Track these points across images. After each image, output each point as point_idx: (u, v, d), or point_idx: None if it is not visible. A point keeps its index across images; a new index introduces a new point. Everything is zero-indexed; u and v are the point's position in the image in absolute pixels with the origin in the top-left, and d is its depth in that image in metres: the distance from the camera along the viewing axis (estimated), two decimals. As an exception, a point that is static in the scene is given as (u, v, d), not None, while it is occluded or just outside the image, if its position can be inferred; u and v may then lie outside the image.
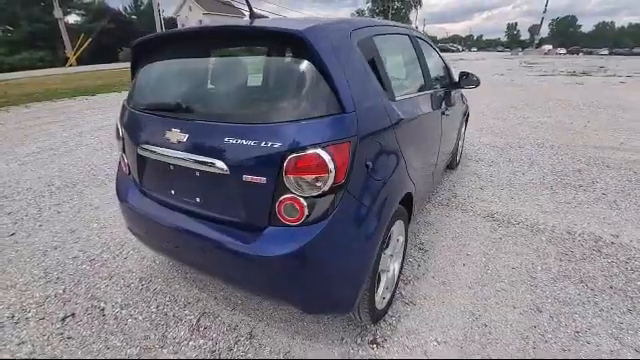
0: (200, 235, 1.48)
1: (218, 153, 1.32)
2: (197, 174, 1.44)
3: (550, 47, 52.82)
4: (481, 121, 6.30)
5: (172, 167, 1.52)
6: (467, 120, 4.11)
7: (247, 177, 1.28)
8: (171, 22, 43.13)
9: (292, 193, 1.25)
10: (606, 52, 51.57)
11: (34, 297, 1.98)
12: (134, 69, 1.80)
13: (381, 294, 1.69)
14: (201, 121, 1.39)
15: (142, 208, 1.71)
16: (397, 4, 74.07)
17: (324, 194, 1.24)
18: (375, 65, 1.56)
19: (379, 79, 1.56)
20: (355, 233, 1.34)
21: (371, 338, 1.68)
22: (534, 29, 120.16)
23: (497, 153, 4.57)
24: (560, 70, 17.61)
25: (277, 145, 1.21)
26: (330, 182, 1.22)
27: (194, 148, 1.38)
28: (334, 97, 1.24)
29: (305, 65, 1.24)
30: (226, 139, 1.30)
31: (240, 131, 1.28)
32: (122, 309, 1.89)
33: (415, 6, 75.25)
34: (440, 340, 1.67)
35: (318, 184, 1.22)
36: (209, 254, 1.50)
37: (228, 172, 1.31)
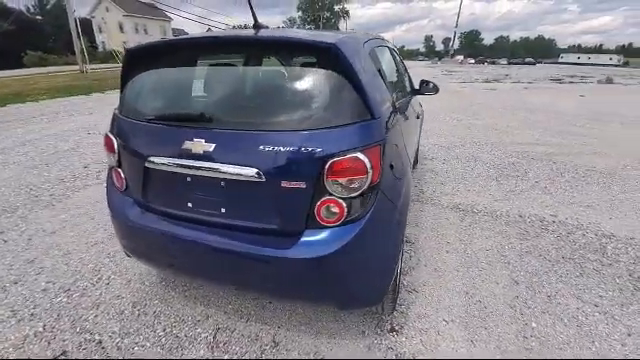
0: (227, 246, 1.45)
1: (253, 161, 1.32)
2: (222, 184, 1.42)
3: (462, 57, 59.77)
4: (424, 123, 6.94)
5: (190, 179, 1.47)
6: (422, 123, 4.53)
7: (286, 183, 1.31)
8: (86, 23, 38.81)
9: (332, 195, 1.31)
10: (505, 62, 60.07)
11: (9, 340, 1.70)
12: (127, 77, 1.67)
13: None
14: (230, 130, 1.37)
15: (146, 224, 1.60)
16: (327, 14, 76.91)
17: (362, 194, 1.33)
18: (380, 73, 1.71)
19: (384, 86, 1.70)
20: (387, 228, 1.45)
21: (389, 327, 1.80)
22: (447, 41, 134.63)
23: (445, 152, 5.10)
24: (475, 77, 20.10)
25: (318, 150, 1.27)
26: (367, 183, 1.31)
27: (224, 158, 1.36)
28: (363, 104, 1.34)
29: (337, 74, 1.32)
30: (262, 147, 1.31)
31: (277, 138, 1.30)
32: (123, 338, 1.73)
33: (343, 17, 78.96)
34: (447, 319, 1.86)
35: (357, 185, 1.30)
36: (238, 264, 1.47)
37: (264, 179, 1.32)
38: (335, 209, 1.33)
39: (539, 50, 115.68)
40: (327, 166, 1.27)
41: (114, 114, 1.72)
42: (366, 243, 1.37)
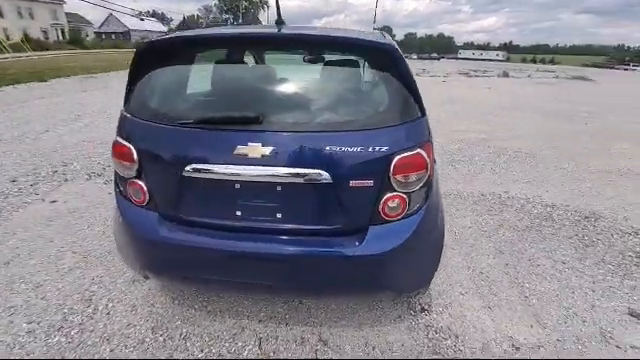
0: (287, 252, 1.41)
1: (320, 163, 1.31)
2: (279, 189, 1.37)
3: None
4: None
5: (239, 186, 1.38)
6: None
7: (354, 182, 1.33)
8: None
9: (396, 191, 1.38)
10: (415, 56, 65.93)
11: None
12: (142, 74, 1.46)
13: None
14: (290, 132, 1.32)
15: (181, 239, 1.45)
16: (245, 3, 74.34)
17: (421, 188, 1.42)
18: None
19: None
20: (438, 216, 1.57)
21: (419, 307, 1.95)
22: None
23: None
24: (397, 71, 21.68)
25: (385, 148, 1.32)
26: (426, 177, 1.41)
27: (285, 161, 1.31)
28: (415, 102, 1.42)
29: (394, 73, 1.36)
30: (328, 148, 1.30)
31: (345, 139, 1.31)
32: (156, 368, 1.55)
33: (263, 7, 77.21)
34: (463, 292, 2.09)
35: (419, 180, 1.39)
36: (299, 269, 1.44)
37: (331, 180, 1.32)
38: (399, 204, 1.40)
39: (441, 46, 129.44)
40: (393, 163, 1.33)
41: (125, 117, 1.49)
42: (424, 232, 1.47)
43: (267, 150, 1.30)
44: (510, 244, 2.63)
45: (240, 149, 1.31)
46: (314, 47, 1.44)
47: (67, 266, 2.22)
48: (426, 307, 1.96)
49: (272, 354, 1.64)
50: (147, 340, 1.70)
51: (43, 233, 2.59)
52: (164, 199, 1.47)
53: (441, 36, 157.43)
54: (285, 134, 1.32)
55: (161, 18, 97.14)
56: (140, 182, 1.47)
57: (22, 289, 2.00)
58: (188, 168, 1.35)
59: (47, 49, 30.37)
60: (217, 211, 1.45)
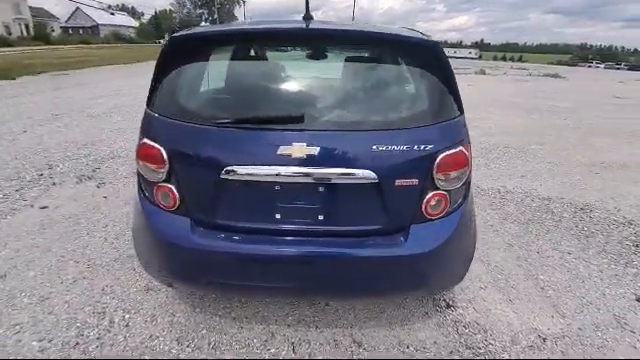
0: (330, 254, 1.37)
1: (366, 162, 1.28)
2: (321, 189, 1.33)
3: None
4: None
5: (279, 187, 1.33)
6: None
7: (399, 182, 1.31)
8: None
9: (438, 189, 1.37)
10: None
11: None
12: (170, 70, 1.37)
13: None
14: (335, 131, 1.28)
15: (217, 245, 1.39)
16: (220, -2, 72.75)
17: (461, 186, 1.42)
18: None
19: None
20: (472, 213, 1.57)
21: (444, 304, 1.96)
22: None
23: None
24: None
25: (430, 147, 1.30)
26: (467, 174, 1.41)
27: (331, 161, 1.27)
28: (454, 100, 1.41)
29: (437, 71, 1.35)
30: (374, 147, 1.27)
31: (390, 137, 1.28)
32: (190, 381, 1.48)
33: (239, 2, 75.78)
34: (482, 286, 2.13)
35: (460, 177, 1.39)
36: (341, 271, 1.41)
37: (377, 180, 1.29)
38: (441, 202, 1.39)
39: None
40: (437, 161, 1.32)
41: (152, 117, 1.40)
42: (462, 230, 1.48)
43: (312, 150, 1.25)
44: (517, 237, 2.70)
45: (284, 149, 1.26)
46: (356, 43, 1.40)
47: (71, 277, 2.08)
48: (451, 303, 1.97)
49: (309, 357, 1.60)
50: (174, 351, 1.61)
51: (38, 242, 2.41)
52: (197, 203, 1.39)
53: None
54: (330, 133, 1.28)
55: (131, 12, 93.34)
56: (170, 186, 1.38)
57: (25, 304, 1.85)
58: (226, 170, 1.28)
59: (10, 45, 28.51)
60: (255, 214, 1.39)
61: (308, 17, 1.60)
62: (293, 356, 1.61)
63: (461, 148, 1.36)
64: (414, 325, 1.82)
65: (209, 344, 1.66)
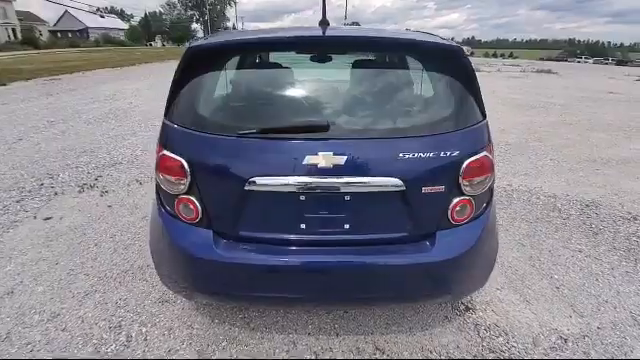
0: (356, 263, 1.35)
1: (393, 170, 1.26)
2: (347, 198, 1.31)
3: None
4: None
5: (304, 197, 1.30)
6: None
7: (427, 189, 1.30)
8: None
9: (464, 195, 1.36)
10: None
11: None
12: (188, 80, 1.34)
13: None
14: (360, 139, 1.26)
15: (240, 257, 1.36)
16: (211, -1, 72.29)
17: (485, 191, 1.41)
18: None
19: None
20: (495, 217, 1.56)
21: (463, 307, 1.96)
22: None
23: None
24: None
25: (456, 152, 1.29)
26: (491, 179, 1.40)
27: (358, 170, 1.25)
28: (477, 105, 1.40)
29: (462, 76, 1.34)
30: (401, 154, 1.26)
31: (416, 144, 1.27)
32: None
33: (230, 3, 75.37)
34: (499, 287, 2.12)
35: (484, 182, 1.38)
36: (368, 279, 1.39)
37: (404, 188, 1.27)
38: (466, 207, 1.38)
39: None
40: (463, 167, 1.31)
41: (171, 128, 1.36)
42: (487, 235, 1.47)
43: (339, 159, 1.23)
44: (528, 237, 2.71)
45: (310, 159, 1.23)
46: (382, 50, 1.38)
47: (82, 291, 2.03)
48: (470, 306, 1.97)
49: (332, 368, 1.58)
50: (196, 365, 1.58)
51: (44, 255, 2.35)
52: (220, 215, 1.36)
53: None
54: (356, 141, 1.26)
55: (120, 14, 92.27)
56: (191, 198, 1.35)
57: (36, 321, 1.81)
58: (251, 181, 1.26)
59: (-1, 50, 28.02)
60: (280, 225, 1.36)
61: (325, 22, 1.58)
62: (317, 366, 1.59)
63: (486, 153, 1.35)
64: (435, 330, 1.81)
65: (231, 356, 1.63)
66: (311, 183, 1.25)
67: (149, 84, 10.66)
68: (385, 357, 1.64)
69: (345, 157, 1.24)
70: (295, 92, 1.45)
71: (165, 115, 1.43)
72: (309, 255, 1.36)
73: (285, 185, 1.26)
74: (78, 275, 2.16)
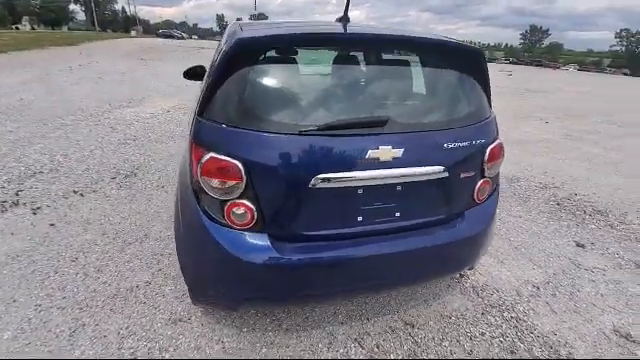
0: (407, 247, 1.47)
1: (439, 159, 1.40)
2: (399, 188, 1.41)
3: None
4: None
5: (362, 191, 1.36)
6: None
7: (464, 174, 1.48)
8: None
9: (485, 177, 1.58)
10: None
11: None
12: (233, 76, 1.24)
13: None
14: (413, 132, 1.36)
15: (300, 257, 1.34)
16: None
17: (497, 172, 1.66)
18: None
19: None
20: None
21: (458, 274, 2.25)
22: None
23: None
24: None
25: (483, 141, 1.50)
26: (502, 161, 1.65)
27: (412, 161, 1.35)
28: (488, 99, 1.63)
29: (481, 74, 1.53)
30: (446, 144, 1.40)
31: (456, 135, 1.43)
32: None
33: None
34: (501, 263, 2.48)
35: (498, 164, 1.62)
36: (416, 261, 1.52)
37: (447, 175, 1.43)
38: (486, 188, 1.61)
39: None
40: (487, 152, 1.53)
41: (215, 128, 1.24)
42: (496, 209, 1.73)
43: (397, 152, 1.31)
44: (534, 223, 3.20)
45: (372, 153, 1.28)
46: (418, 49, 1.48)
47: (66, 327, 1.69)
48: (462, 272, 2.27)
49: (376, 349, 1.68)
50: (244, 378, 1.50)
51: (40, 266, 1.92)
52: (279, 217, 1.31)
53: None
54: (410, 134, 1.36)
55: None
56: (246, 202, 1.27)
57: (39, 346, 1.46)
58: (316, 179, 1.25)
59: None
60: (338, 220, 1.38)
61: (345, 19, 1.61)
62: (364, 351, 1.66)
63: (500, 140, 1.59)
64: (445, 298, 2.05)
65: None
66: (374, 177, 1.30)
67: (35, 76, 8.78)
68: (416, 329, 1.81)
69: (402, 150, 1.32)
70: (349, 88, 1.45)
71: (201, 114, 1.29)
72: (367, 245, 1.41)
73: (350, 180, 1.29)
74: (50, 310, 1.78)
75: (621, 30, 70.36)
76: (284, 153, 1.24)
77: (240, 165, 1.22)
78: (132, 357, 1.55)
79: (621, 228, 3.02)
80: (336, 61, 1.48)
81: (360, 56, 1.49)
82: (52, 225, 2.53)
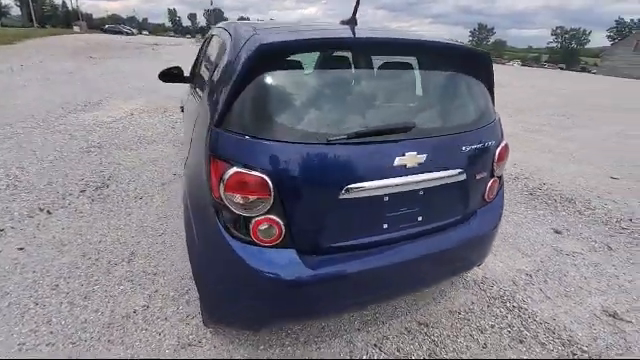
0: (431, 250, 1.48)
1: (458, 163, 1.42)
2: (421, 193, 1.41)
3: None
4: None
5: (387, 198, 1.35)
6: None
7: (478, 175, 1.52)
8: None
9: (494, 176, 1.64)
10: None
11: None
12: (253, 83, 1.16)
13: None
14: (434, 137, 1.36)
15: (328, 271, 1.31)
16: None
17: (503, 171, 1.73)
18: None
19: None
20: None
21: (472, 280, 2.32)
22: (193, 17, 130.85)
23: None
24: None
25: (493, 142, 1.55)
26: (507, 160, 1.72)
27: (434, 165, 1.36)
28: (493, 102, 1.68)
29: (488, 78, 1.57)
30: (463, 147, 1.43)
31: (472, 137, 1.46)
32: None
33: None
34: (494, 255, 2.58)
35: (505, 163, 1.69)
36: (437, 263, 1.55)
37: (465, 177, 1.46)
38: (495, 187, 1.67)
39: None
40: (497, 153, 1.58)
41: (238, 140, 1.15)
42: (503, 206, 1.80)
43: (421, 158, 1.31)
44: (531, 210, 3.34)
45: (398, 160, 1.27)
46: (432, 54, 1.48)
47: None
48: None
49: (397, 352, 1.69)
50: (271, 399, 1.43)
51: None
52: (307, 230, 1.26)
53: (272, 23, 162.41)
54: (432, 139, 1.36)
55: None
56: (274, 217, 1.20)
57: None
58: (347, 189, 1.21)
59: None
60: (365, 229, 1.36)
61: (353, 21, 1.57)
62: (385, 356, 1.66)
63: (505, 141, 1.65)
64: (450, 294, 2.11)
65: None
66: (402, 183, 1.29)
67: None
68: (431, 328, 1.84)
69: (425, 155, 1.32)
70: (372, 95, 1.41)
71: (219, 125, 1.20)
72: (392, 252, 1.40)
73: (380, 188, 1.27)
74: (38, 349, 1.58)
75: (557, 27, 77.26)
76: (314, 164, 1.19)
77: (268, 179, 1.15)
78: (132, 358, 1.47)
79: (588, 214, 3.31)
80: (357, 66, 1.45)
81: (380, 61, 1.46)
82: (21, 249, 2.25)
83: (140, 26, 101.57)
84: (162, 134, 4.92)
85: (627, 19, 75.40)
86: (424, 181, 1.35)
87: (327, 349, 1.68)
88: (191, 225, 1.38)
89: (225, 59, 1.34)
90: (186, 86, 3.33)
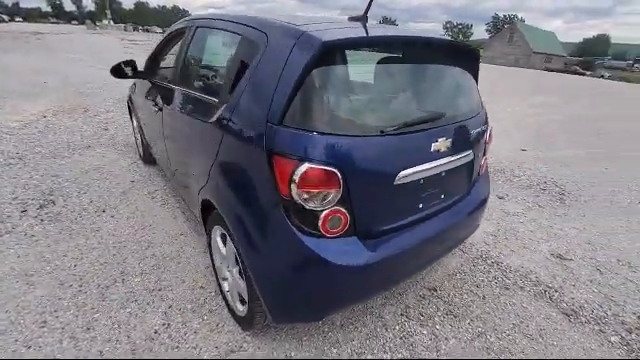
0: (453, 223, 1.72)
1: (470, 145, 1.66)
2: (443, 174, 1.62)
3: (124, 24, 54.34)
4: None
5: (422, 181, 1.52)
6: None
7: (479, 154, 1.79)
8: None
9: (485, 154, 1.94)
10: (160, 30, 60.42)
11: None
12: (322, 80, 1.20)
13: None
14: (454, 123, 1.56)
15: (384, 253, 1.43)
16: None
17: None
18: None
19: None
20: None
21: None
22: (78, 1, 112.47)
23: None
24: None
25: (485, 125, 1.84)
26: (488, 142, 2.04)
27: (457, 149, 1.57)
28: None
29: (476, 71, 1.84)
30: (472, 131, 1.67)
31: (476, 122, 1.71)
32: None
33: None
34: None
35: (489, 144, 2.00)
36: (453, 233, 1.78)
37: (472, 157, 1.71)
38: (485, 162, 1.98)
39: (171, 20, 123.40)
40: (487, 134, 1.87)
41: (305, 137, 1.17)
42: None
43: (449, 142, 1.51)
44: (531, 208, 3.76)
45: (434, 146, 1.44)
46: (442, 50, 1.66)
47: None
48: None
49: (421, 317, 1.90)
50: None
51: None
52: (366, 217, 1.35)
53: (175, 9, 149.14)
54: (455, 125, 1.56)
55: None
56: (341, 208, 1.27)
57: None
58: (400, 175, 1.34)
59: None
60: (408, 210, 1.51)
61: (365, 18, 1.67)
62: (413, 322, 1.86)
63: (491, 124, 1.96)
64: (443, 261, 2.41)
65: (349, 354, 1.64)
66: (436, 166, 1.47)
67: None
68: (440, 292, 2.10)
69: (452, 140, 1.52)
70: (410, 88, 1.53)
71: (280, 122, 1.19)
72: (427, 227, 1.59)
73: (422, 172, 1.42)
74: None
75: (446, 22, 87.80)
76: (373, 154, 1.28)
77: (337, 172, 1.21)
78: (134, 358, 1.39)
79: (516, 181, 4.03)
80: (401, 62, 1.57)
81: (410, 57, 1.59)
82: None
83: (10, 11, 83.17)
84: (94, 137, 4.31)
85: (501, 15, 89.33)
86: (449, 163, 1.55)
87: (363, 327, 1.81)
88: (243, 230, 1.35)
89: (267, 57, 1.31)
90: (139, 82, 3.03)
